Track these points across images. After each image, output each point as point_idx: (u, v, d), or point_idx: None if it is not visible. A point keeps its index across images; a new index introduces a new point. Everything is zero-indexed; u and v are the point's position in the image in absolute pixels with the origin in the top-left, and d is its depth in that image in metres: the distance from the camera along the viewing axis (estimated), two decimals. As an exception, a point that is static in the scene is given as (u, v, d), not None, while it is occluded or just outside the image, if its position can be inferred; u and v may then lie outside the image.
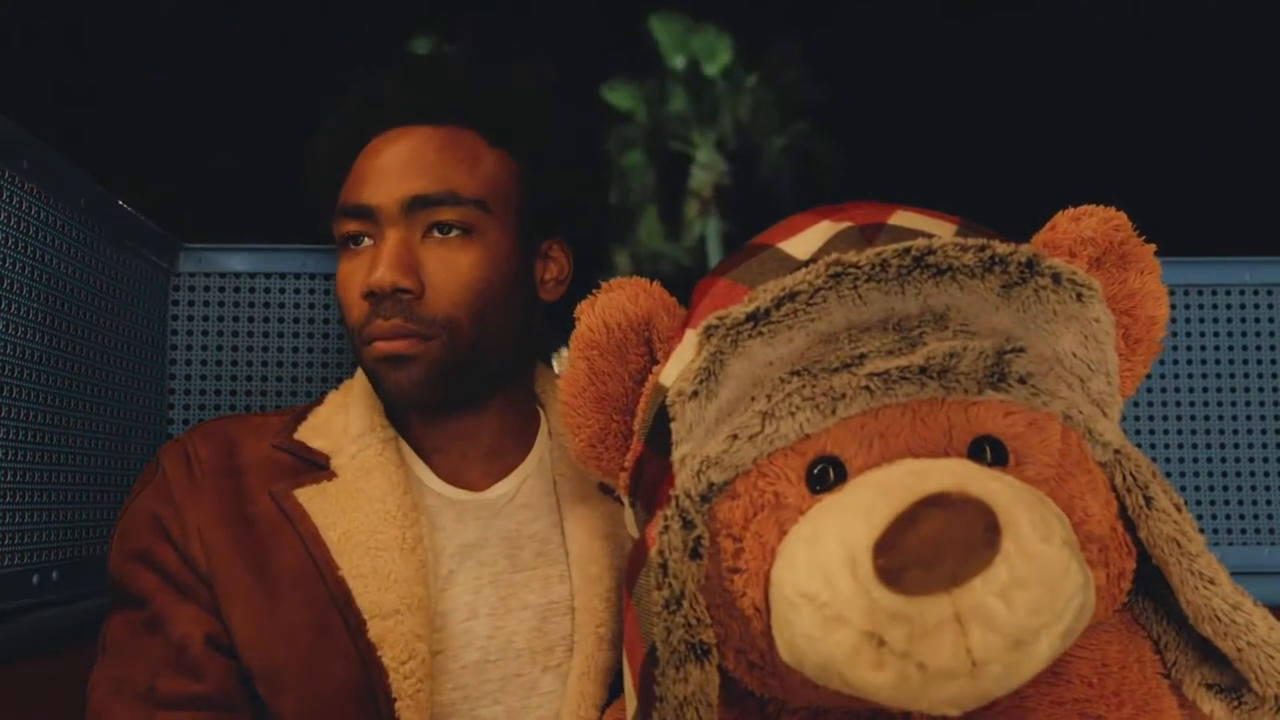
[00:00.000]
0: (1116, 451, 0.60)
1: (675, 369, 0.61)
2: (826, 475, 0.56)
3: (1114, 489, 0.59)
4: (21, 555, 0.95)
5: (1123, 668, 0.61)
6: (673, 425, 0.60)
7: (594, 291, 0.69)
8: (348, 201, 0.82)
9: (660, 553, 0.58)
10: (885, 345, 0.57)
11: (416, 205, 0.80)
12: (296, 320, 1.31)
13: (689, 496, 0.58)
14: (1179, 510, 0.59)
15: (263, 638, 0.76)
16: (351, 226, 0.82)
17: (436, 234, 0.80)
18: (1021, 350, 0.57)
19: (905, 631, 0.48)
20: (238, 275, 1.32)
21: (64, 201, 1.02)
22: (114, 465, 1.13)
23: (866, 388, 0.56)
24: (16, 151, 0.93)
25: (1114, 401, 0.63)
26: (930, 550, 0.48)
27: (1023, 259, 0.57)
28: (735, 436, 0.57)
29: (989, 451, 0.56)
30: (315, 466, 0.82)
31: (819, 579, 0.51)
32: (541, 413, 0.92)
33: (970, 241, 0.57)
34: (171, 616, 0.77)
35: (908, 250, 0.57)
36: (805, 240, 0.62)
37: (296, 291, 1.31)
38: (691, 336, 0.61)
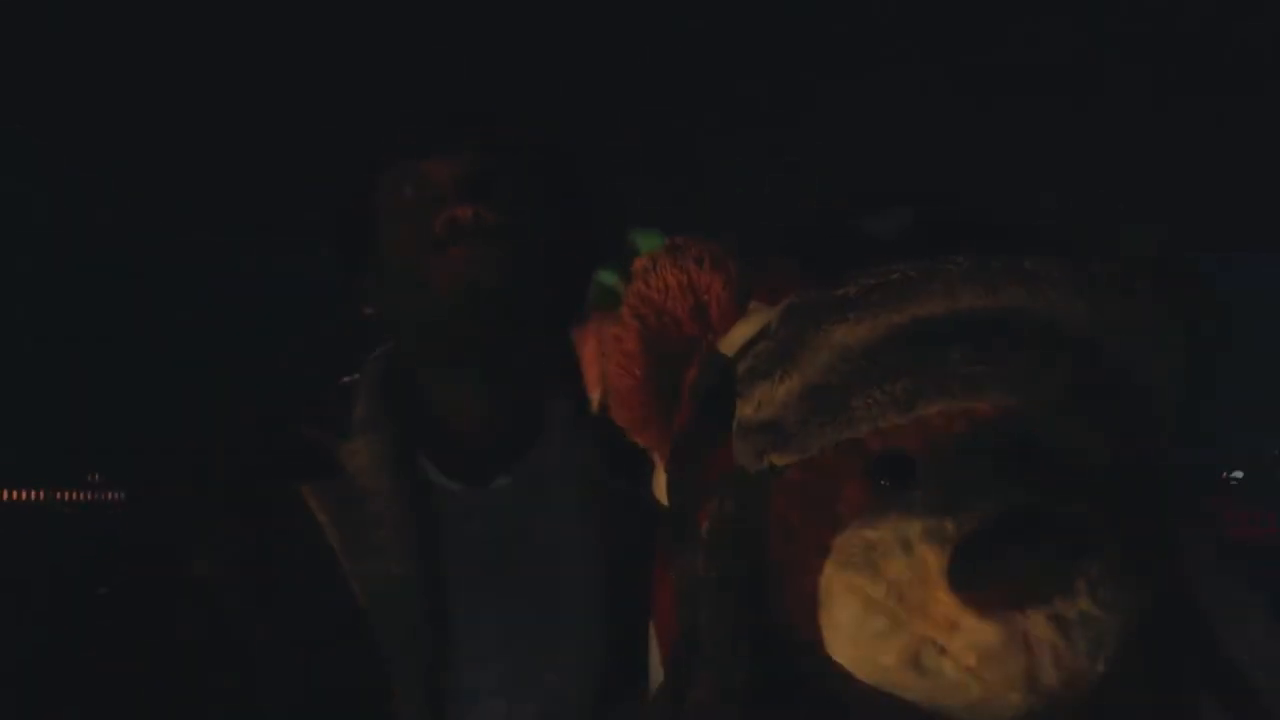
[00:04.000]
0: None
1: (740, 339, 0.59)
2: (895, 472, 0.54)
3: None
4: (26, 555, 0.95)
5: None
6: (738, 400, 0.57)
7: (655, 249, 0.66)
8: (408, 164, 0.85)
9: (713, 531, 0.56)
10: (972, 345, 0.55)
11: (480, 175, 0.83)
12: (302, 317, 1.32)
13: (747, 476, 0.56)
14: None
15: (266, 633, 0.76)
16: (409, 193, 0.84)
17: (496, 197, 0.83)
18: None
19: (970, 643, 0.47)
20: (241, 275, 1.32)
21: (73, 200, 1.02)
22: (118, 457, 1.13)
23: (948, 387, 0.53)
24: (17, 151, 0.93)
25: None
26: (1009, 566, 0.46)
27: (1124, 274, 0.56)
28: (805, 421, 0.55)
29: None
30: (320, 461, 0.83)
31: (884, 580, 0.49)
32: (545, 409, 0.92)
33: (1069, 259, 0.56)
34: (175, 611, 0.77)
35: (1009, 255, 0.55)
36: (888, 221, 0.61)
37: (304, 287, 1.32)
38: (763, 309, 0.59)
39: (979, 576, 0.46)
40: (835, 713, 0.57)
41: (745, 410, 0.57)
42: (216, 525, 0.79)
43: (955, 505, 0.49)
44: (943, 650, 0.47)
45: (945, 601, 0.47)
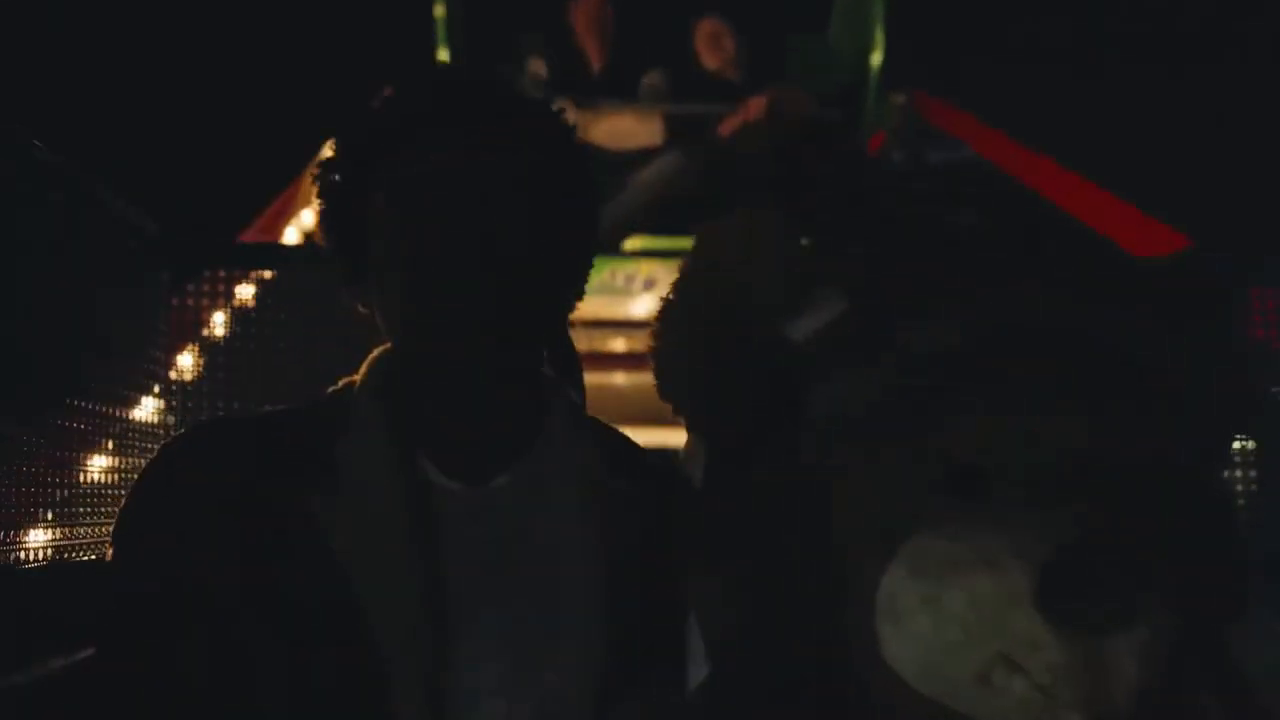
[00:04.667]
0: None
1: (809, 325, 0.58)
2: (968, 483, 0.53)
3: None
4: (24, 555, 0.95)
5: None
6: (809, 392, 0.56)
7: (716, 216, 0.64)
8: (403, 177, 0.83)
9: (774, 529, 0.55)
10: (1055, 361, 0.54)
11: (479, 170, 0.82)
12: (297, 319, 1.32)
13: (814, 470, 0.55)
14: None
15: (263, 634, 0.76)
16: (405, 207, 0.83)
17: (496, 204, 0.82)
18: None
19: (1048, 663, 0.46)
20: (240, 273, 1.32)
21: (64, 201, 1.02)
22: (115, 462, 1.13)
23: (1027, 402, 0.52)
24: (17, 152, 0.93)
25: None
26: (1099, 591, 0.46)
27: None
28: (881, 423, 0.54)
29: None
30: (316, 462, 0.83)
31: (964, 594, 0.49)
32: (544, 409, 0.92)
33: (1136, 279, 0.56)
34: (171, 612, 0.77)
35: (1081, 270, 0.55)
36: (965, 218, 0.60)
37: (297, 291, 1.32)
38: (832, 297, 0.58)
39: (1069, 599, 0.46)
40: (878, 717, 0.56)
41: (818, 404, 0.56)
42: (216, 525, 0.79)
43: (1041, 525, 0.48)
44: (1016, 668, 0.47)
45: (1029, 620, 0.47)
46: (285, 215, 3.64)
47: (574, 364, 1.06)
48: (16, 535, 0.94)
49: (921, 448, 0.53)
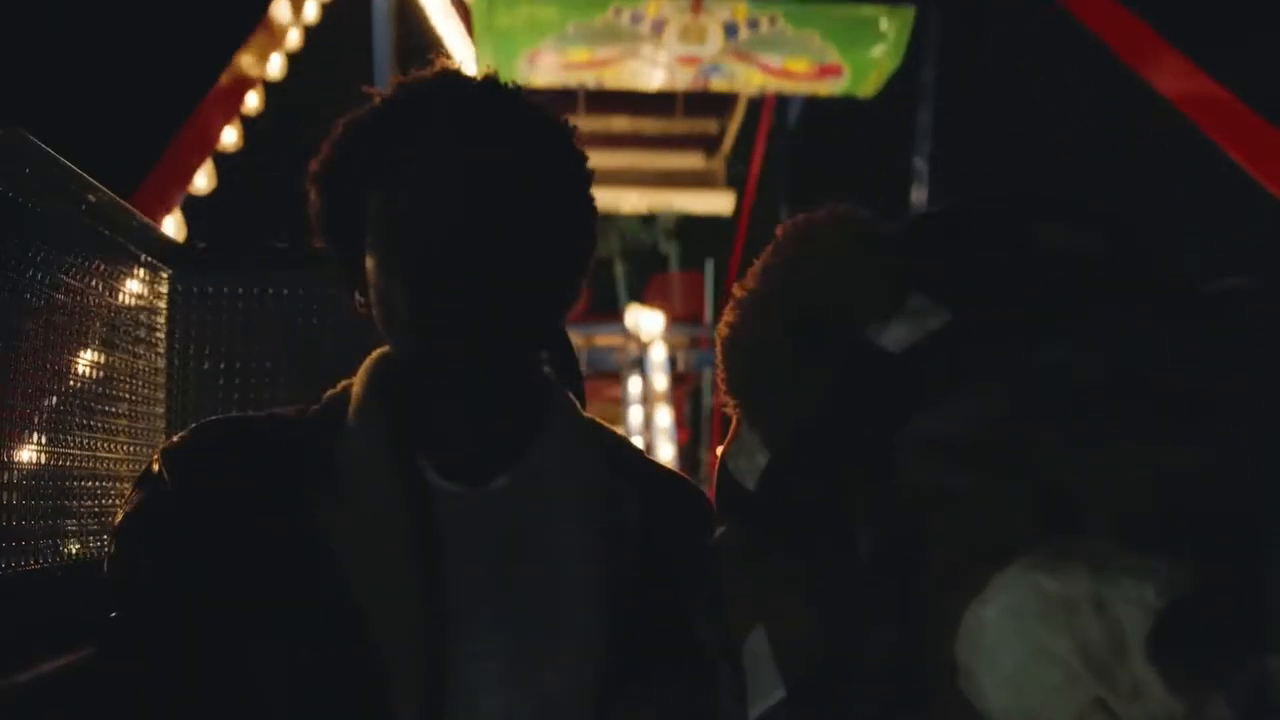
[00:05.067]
0: None
1: (904, 336, 0.55)
2: (1068, 516, 0.50)
3: None
4: (21, 555, 0.96)
5: None
6: (915, 409, 0.53)
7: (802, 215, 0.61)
8: (399, 178, 0.83)
9: (876, 552, 0.52)
10: (1164, 397, 0.51)
11: (477, 170, 0.82)
12: (296, 321, 1.32)
13: (913, 492, 0.52)
14: None
15: (263, 634, 0.76)
16: (401, 208, 0.83)
17: (494, 205, 0.82)
18: None
19: (1149, 714, 0.44)
20: (239, 276, 1.32)
21: (65, 204, 1.02)
22: (113, 466, 1.13)
23: (1151, 433, 0.50)
24: (19, 154, 0.93)
25: None
26: (1217, 645, 0.44)
27: None
28: (989, 449, 0.51)
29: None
30: (316, 463, 0.83)
31: (1069, 636, 0.46)
32: (543, 408, 0.92)
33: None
34: (171, 614, 0.77)
35: (1193, 306, 0.52)
36: (1046, 229, 0.57)
37: (297, 292, 1.32)
38: (928, 307, 0.55)
39: (1184, 651, 0.44)
40: None
41: (924, 424, 0.53)
42: (216, 526, 0.79)
43: (1156, 569, 0.46)
44: (1114, 715, 0.45)
45: (1136, 669, 0.45)
46: (193, 155, 3.30)
47: (573, 365, 1.06)
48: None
49: (1034, 478, 0.50)
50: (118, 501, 0.85)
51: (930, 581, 0.51)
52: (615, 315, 9.66)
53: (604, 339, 9.22)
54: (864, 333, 0.56)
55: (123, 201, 1.14)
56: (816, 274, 0.58)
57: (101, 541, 1.08)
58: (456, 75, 0.87)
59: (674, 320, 9.48)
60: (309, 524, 0.79)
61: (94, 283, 1.09)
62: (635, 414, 8.70)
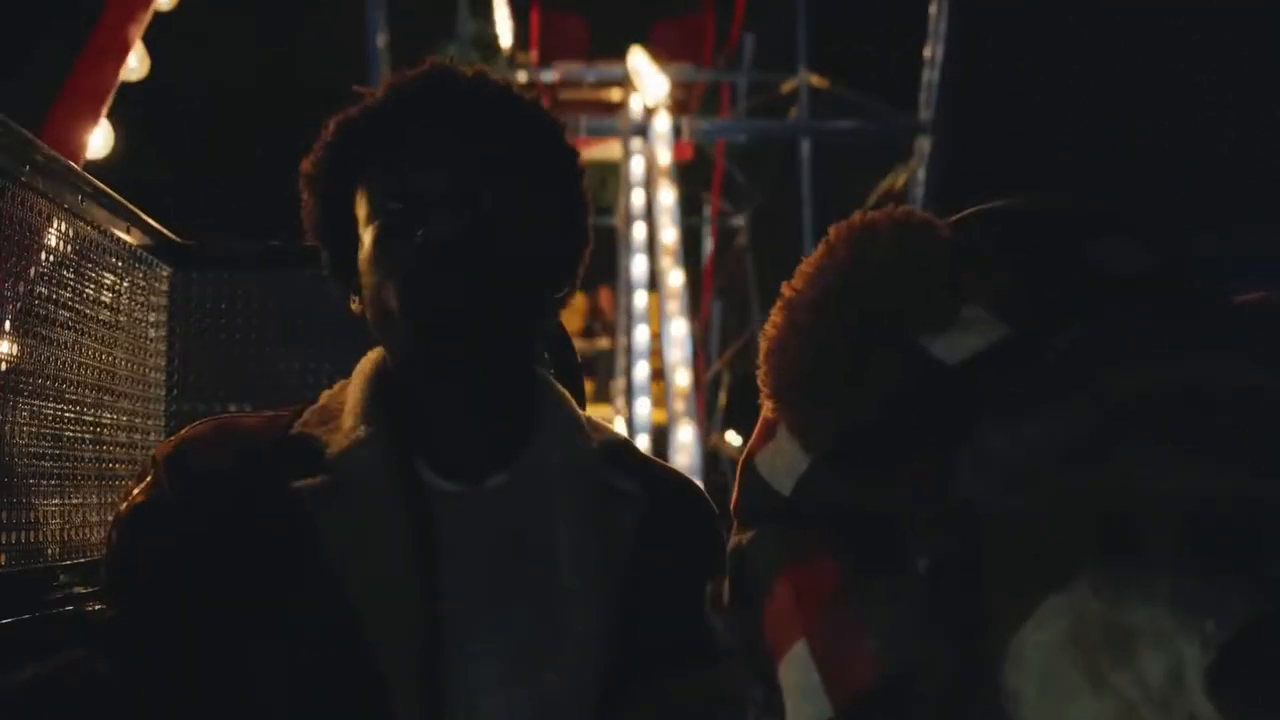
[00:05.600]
0: None
1: (965, 347, 0.53)
2: (1127, 541, 0.48)
3: None
4: (21, 554, 0.96)
5: None
6: (979, 423, 0.51)
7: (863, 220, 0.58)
8: (392, 175, 0.83)
9: (939, 571, 0.51)
10: (1230, 419, 0.49)
11: (464, 176, 0.82)
12: (296, 320, 1.32)
13: (976, 510, 0.51)
14: None
15: (259, 633, 0.76)
16: (394, 203, 0.83)
17: (480, 209, 0.82)
18: None
19: None
20: (238, 274, 1.32)
21: (63, 199, 1.02)
22: (112, 465, 1.13)
23: (1183, 453, 0.48)
24: (18, 152, 0.93)
25: None
26: (1272, 674, 0.43)
27: None
28: (1059, 468, 0.50)
29: None
30: (312, 463, 0.83)
31: (1128, 669, 0.45)
32: (539, 404, 0.92)
33: None
34: (168, 613, 0.77)
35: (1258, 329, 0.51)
36: (1104, 247, 0.56)
37: (295, 291, 1.32)
38: (984, 318, 0.53)
39: (1245, 686, 0.43)
40: None
41: (986, 441, 0.51)
42: (212, 527, 0.79)
43: (1213, 602, 0.45)
44: None
45: (1196, 702, 0.43)
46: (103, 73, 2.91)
47: (572, 363, 1.06)
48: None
49: (1096, 501, 0.49)
50: (116, 501, 0.85)
51: (989, 603, 0.50)
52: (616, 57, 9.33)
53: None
54: (917, 340, 0.55)
55: (123, 200, 1.14)
56: (871, 278, 0.56)
57: (101, 541, 1.08)
58: (447, 73, 0.87)
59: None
60: (305, 524, 0.79)
61: (93, 281, 1.09)
62: (638, 196, 8.29)
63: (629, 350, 8.68)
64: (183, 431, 0.86)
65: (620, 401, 10.74)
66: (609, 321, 12.39)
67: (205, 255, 1.33)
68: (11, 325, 0.93)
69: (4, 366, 0.93)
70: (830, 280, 0.57)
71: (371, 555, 0.78)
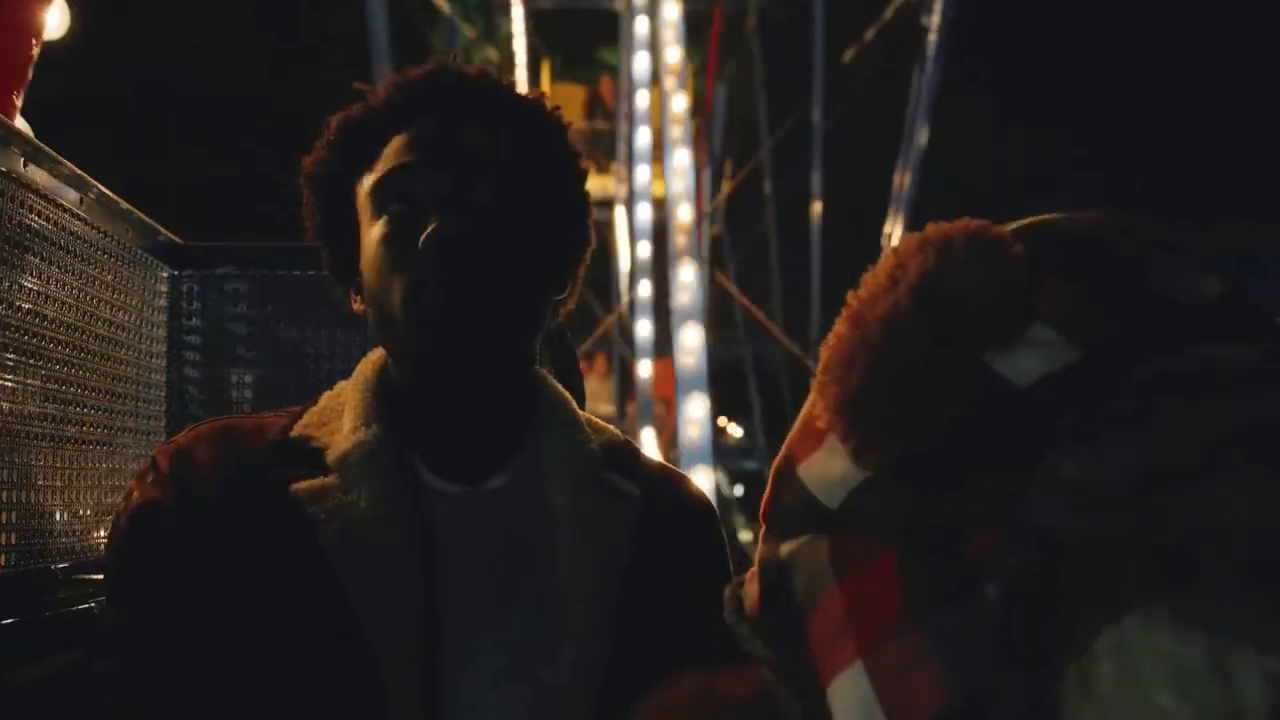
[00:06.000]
0: None
1: (1033, 369, 0.52)
2: (1185, 569, 0.48)
3: None
4: (21, 554, 0.96)
5: None
6: (1053, 450, 0.50)
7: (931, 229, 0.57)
8: (393, 173, 0.83)
9: (1010, 598, 0.50)
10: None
11: (464, 174, 0.82)
12: (296, 320, 1.32)
13: (1050, 539, 0.50)
14: None
15: (258, 634, 0.76)
16: (395, 204, 0.83)
17: (481, 206, 0.82)
18: None
19: None
20: (237, 275, 1.32)
21: (64, 200, 1.02)
22: (112, 465, 1.13)
23: (1255, 485, 0.48)
24: (18, 151, 0.93)
25: None
26: None
27: None
28: (1136, 501, 0.49)
29: None
30: (311, 464, 0.83)
31: (1191, 704, 0.45)
32: (534, 406, 0.92)
33: None
34: (167, 614, 0.77)
35: None
36: (1178, 279, 0.54)
37: (295, 291, 1.32)
38: (1051, 338, 0.52)
39: None
40: None
41: (1067, 467, 0.50)
42: (210, 528, 0.79)
43: (1274, 637, 0.44)
44: None
45: None
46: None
47: (573, 364, 1.06)
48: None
49: (1165, 531, 0.48)
50: (116, 502, 0.85)
51: (1059, 633, 0.49)
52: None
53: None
54: (988, 360, 0.53)
55: (122, 200, 1.14)
56: (945, 296, 0.54)
57: (100, 541, 1.08)
58: (449, 72, 0.88)
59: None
60: (305, 525, 0.79)
61: (93, 281, 1.09)
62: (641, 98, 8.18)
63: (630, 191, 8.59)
64: (182, 433, 0.86)
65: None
66: (609, 110, 12.67)
67: (205, 255, 1.33)
68: (11, 325, 0.94)
69: (3, 366, 0.93)
70: (903, 296, 0.55)
71: (370, 556, 0.78)
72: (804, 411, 0.64)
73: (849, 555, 0.57)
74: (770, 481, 0.67)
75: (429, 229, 0.79)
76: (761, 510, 0.69)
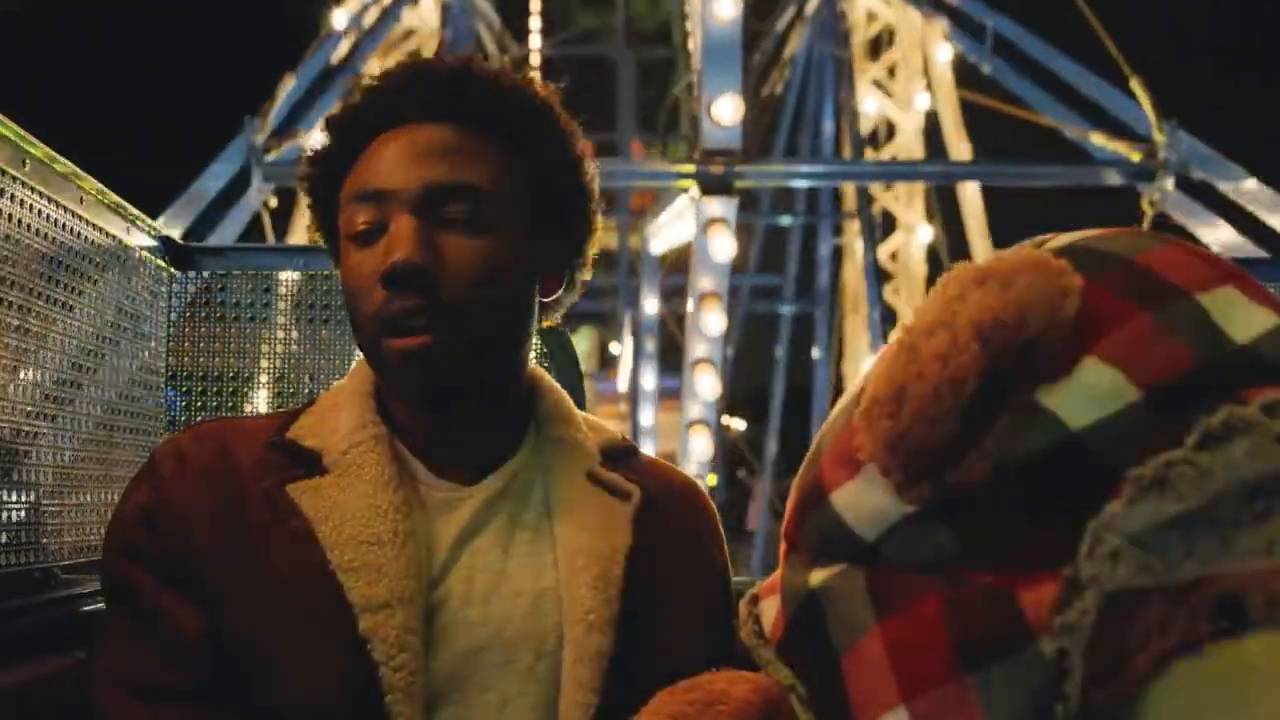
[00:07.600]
0: None
1: (1086, 412, 0.51)
2: (1236, 615, 0.48)
3: None
4: (22, 554, 0.96)
5: None
6: (1122, 506, 0.49)
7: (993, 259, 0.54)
8: (362, 189, 0.82)
9: (1060, 646, 0.50)
10: None
11: (433, 193, 0.80)
12: (294, 320, 1.32)
13: (1098, 583, 0.49)
14: None
15: (255, 633, 0.76)
16: (363, 217, 0.82)
17: (450, 224, 0.80)
18: None
19: None
20: (236, 275, 1.32)
21: (64, 198, 1.02)
22: (110, 463, 1.13)
23: None
24: (18, 150, 0.93)
25: None
26: None
27: None
28: (1184, 548, 0.48)
29: None
30: (307, 464, 0.83)
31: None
32: (531, 406, 0.92)
33: None
34: (166, 612, 0.77)
35: None
36: (1237, 315, 0.52)
37: (294, 291, 1.32)
38: (1105, 374, 0.51)
39: None
40: None
41: (1128, 519, 0.49)
42: (208, 528, 0.79)
43: None
44: None
45: None
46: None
47: (572, 362, 1.06)
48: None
49: (1216, 581, 0.49)
50: (116, 501, 0.85)
51: (1112, 683, 0.50)
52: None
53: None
54: (1043, 401, 0.52)
55: (122, 200, 1.14)
56: (1000, 330, 0.52)
57: (100, 540, 1.08)
58: (428, 64, 0.87)
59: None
60: (302, 525, 0.79)
61: (93, 281, 1.09)
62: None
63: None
64: (182, 432, 0.86)
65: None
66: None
67: (205, 255, 1.33)
68: (11, 326, 0.94)
69: (3, 366, 0.93)
70: (961, 332, 0.53)
71: (364, 554, 0.78)
72: (837, 434, 0.62)
73: (889, 593, 0.55)
74: (794, 501, 0.65)
75: (387, 267, 0.78)
76: (785, 528, 0.67)
